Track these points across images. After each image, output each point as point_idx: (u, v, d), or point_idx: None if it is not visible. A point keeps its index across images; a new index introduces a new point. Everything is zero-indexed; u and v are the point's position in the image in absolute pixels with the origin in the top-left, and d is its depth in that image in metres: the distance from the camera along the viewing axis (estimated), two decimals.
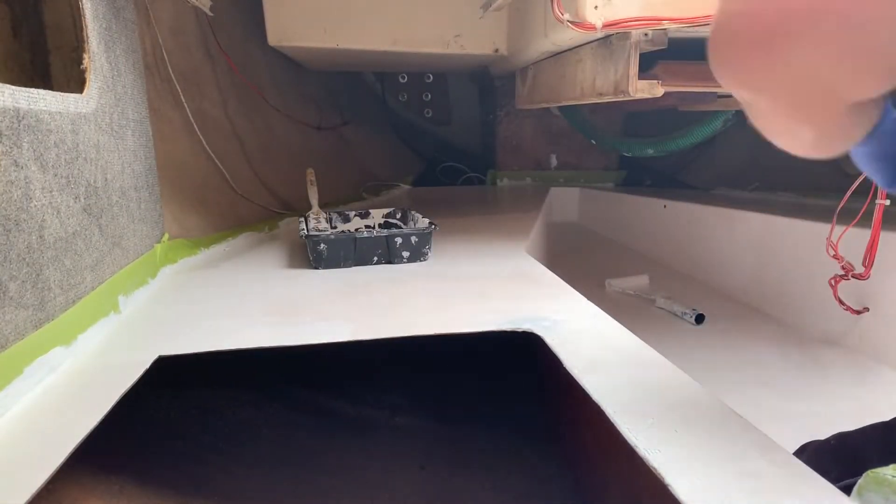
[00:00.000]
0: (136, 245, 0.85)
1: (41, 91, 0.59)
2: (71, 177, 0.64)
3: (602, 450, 0.60)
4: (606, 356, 0.64)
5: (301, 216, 1.25)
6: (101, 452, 0.57)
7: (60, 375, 0.60)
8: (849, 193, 1.07)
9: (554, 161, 2.56)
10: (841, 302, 1.15)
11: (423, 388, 0.94)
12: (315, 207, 1.29)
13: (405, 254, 1.07)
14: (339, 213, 1.29)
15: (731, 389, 1.04)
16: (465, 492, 0.72)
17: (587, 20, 1.06)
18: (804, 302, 1.33)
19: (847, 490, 0.45)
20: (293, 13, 1.65)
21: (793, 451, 0.59)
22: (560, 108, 2.18)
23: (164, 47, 1.15)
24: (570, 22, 1.07)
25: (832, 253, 1.10)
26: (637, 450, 0.45)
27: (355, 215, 1.30)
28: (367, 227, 1.28)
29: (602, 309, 0.80)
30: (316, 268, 1.04)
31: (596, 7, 1.05)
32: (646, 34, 1.14)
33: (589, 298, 0.84)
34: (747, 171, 2.12)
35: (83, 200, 0.67)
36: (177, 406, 0.81)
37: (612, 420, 0.50)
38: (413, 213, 1.25)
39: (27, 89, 0.56)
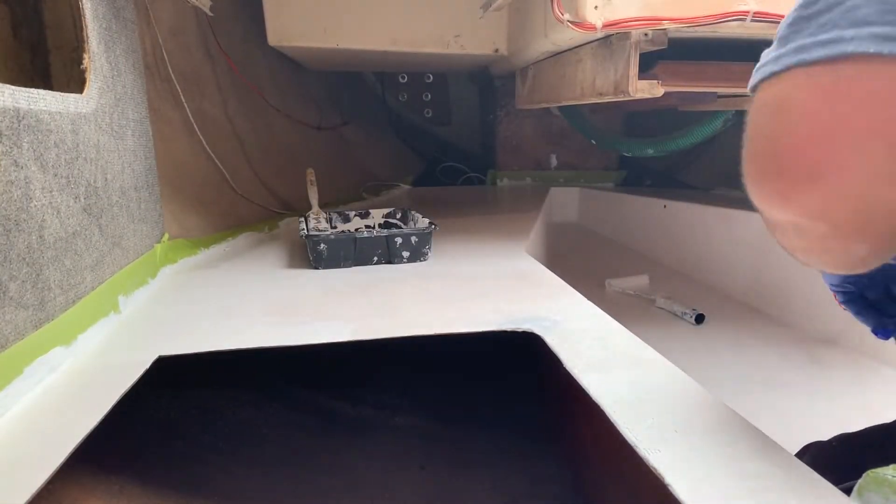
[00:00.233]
0: (136, 245, 0.85)
1: (41, 91, 0.59)
2: (71, 177, 0.64)
3: (602, 450, 0.60)
4: (606, 356, 0.64)
5: (301, 216, 1.25)
6: (101, 452, 0.57)
7: (60, 375, 0.60)
8: None
9: (554, 161, 2.56)
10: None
11: (423, 389, 0.94)
12: (315, 207, 1.29)
13: (405, 254, 1.07)
14: (339, 213, 1.29)
15: (731, 389, 1.04)
16: (465, 492, 0.72)
17: (587, 20, 1.06)
18: (804, 302, 1.32)
19: (849, 492, 0.45)
20: (293, 13, 1.65)
21: (792, 450, 0.59)
22: (560, 108, 2.17)
23: (164, 47, 1.15)
24: (570, 22, 1.07)
25: None
26: (637, 450, 0.45)
27: (355, 215, 1.30)
28: (367, 227, 1.28)
29: (602, 309, 0.80)
30: (316, 268, 1.04)
31: (596, 7, 1.05)
32: (646, 34, 1.13)
33: (589, 298, 0.84)
34: None
35: (83, 200, 0.67)
36: (177, 406, 0.81)
37: (611, 420, 0.50)
38: (413, 213, 1.25)
39: (27, 89, 0.56)
